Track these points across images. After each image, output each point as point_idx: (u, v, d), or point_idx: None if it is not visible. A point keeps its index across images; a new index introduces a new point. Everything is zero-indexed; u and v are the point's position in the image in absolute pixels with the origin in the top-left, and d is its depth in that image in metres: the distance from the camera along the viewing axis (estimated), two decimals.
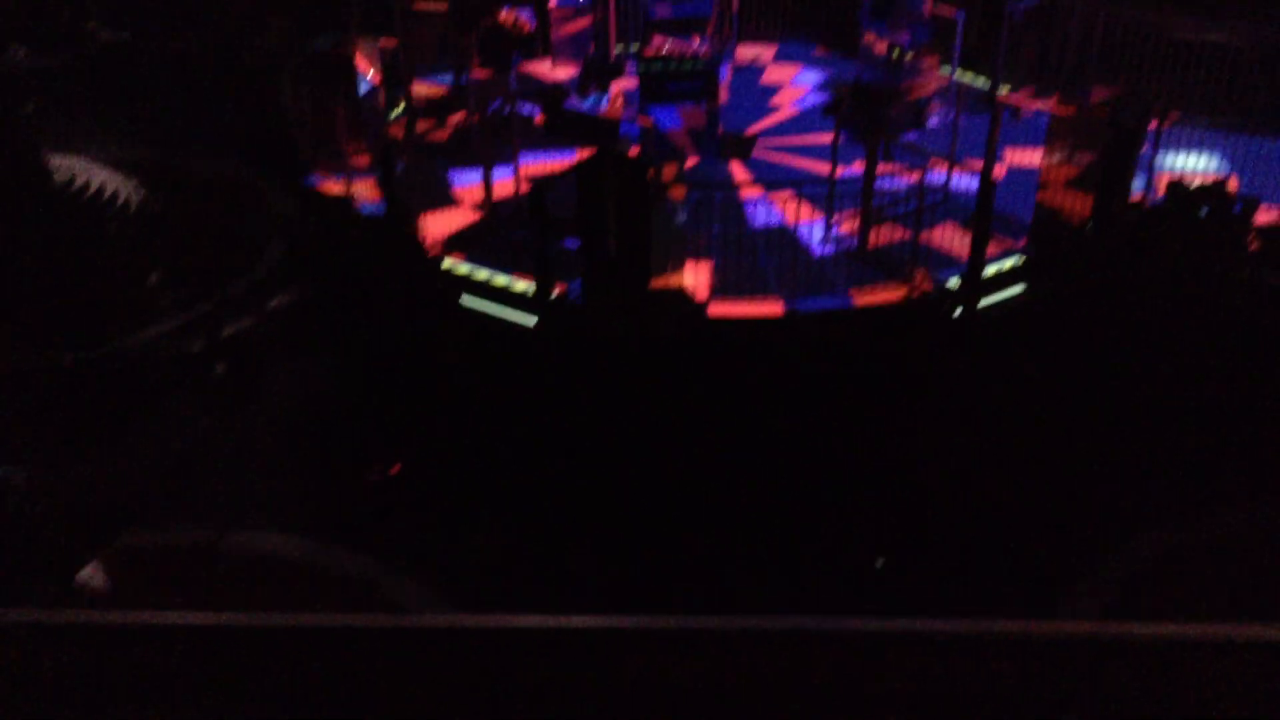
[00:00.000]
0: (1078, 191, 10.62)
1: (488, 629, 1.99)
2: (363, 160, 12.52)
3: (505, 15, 14.28)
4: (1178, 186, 10.45)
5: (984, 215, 10.18)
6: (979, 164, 11.58)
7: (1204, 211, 10.03)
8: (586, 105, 13.14)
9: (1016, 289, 10.83)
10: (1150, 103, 11.79)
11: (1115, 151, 10.39)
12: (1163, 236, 9.61)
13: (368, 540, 8.34)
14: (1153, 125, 11.14)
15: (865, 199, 11.05)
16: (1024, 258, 11.00)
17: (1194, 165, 10.75)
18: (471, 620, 2.01)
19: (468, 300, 10.76)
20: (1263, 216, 10.68)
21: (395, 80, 14.95)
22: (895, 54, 14.35)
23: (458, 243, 11.31)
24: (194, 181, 13.79)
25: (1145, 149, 10.90)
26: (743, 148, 13.57)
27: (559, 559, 8.65)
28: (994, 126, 11.08)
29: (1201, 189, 10.25)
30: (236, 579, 8.03)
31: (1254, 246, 10.16)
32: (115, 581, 7.89)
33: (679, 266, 10.42)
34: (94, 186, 12.16)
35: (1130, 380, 9.76)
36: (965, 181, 11.89)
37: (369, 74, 13.24)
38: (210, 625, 2.13)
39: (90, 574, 7.73)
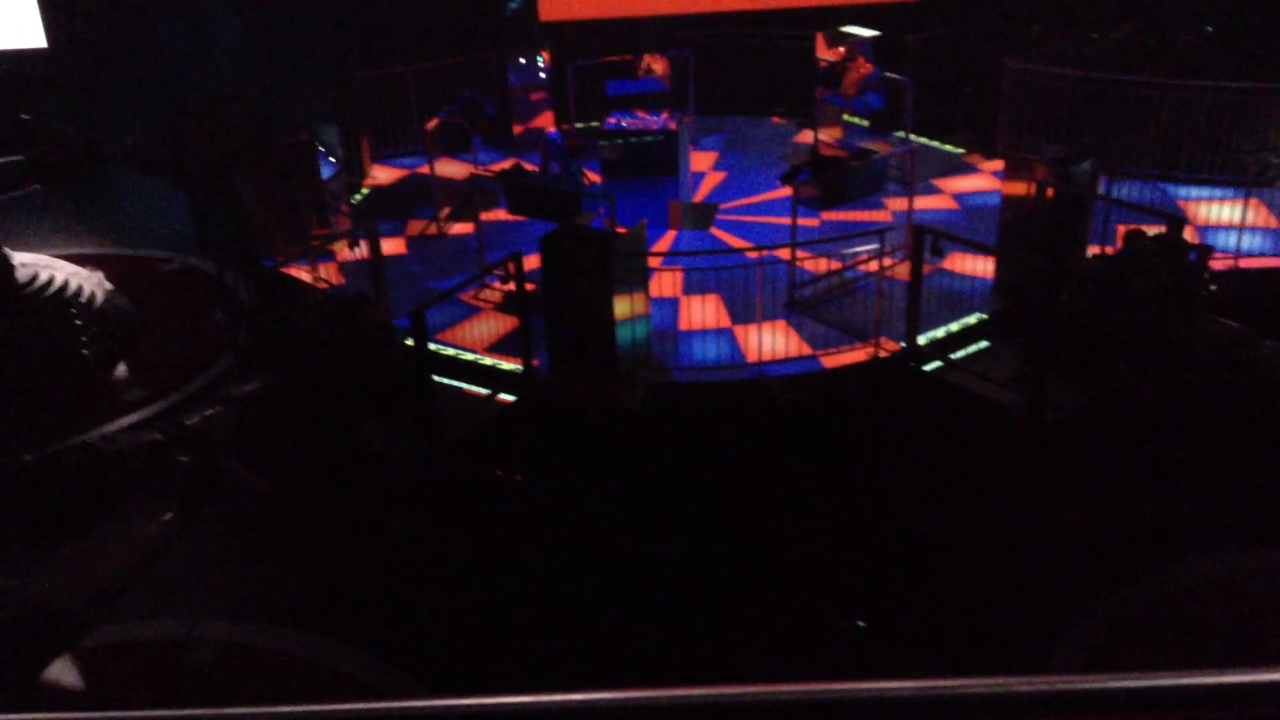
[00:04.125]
0: (1035, 247, 10.79)
1: (473, 710, 1.94)
2: (327, 245, 12.57)
3: (465, 98, 14.46)
4: (1135, 237, 10.64)
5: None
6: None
7: (1160, 261, 10.22)
8: (549, 181, 13.27)
9: (981, 344, 10.94)
10: (1101, 156, 12.05)
11: (1068, 206, 10.59)
12: (1121, 287, 9.75)
13: (339, 628, 8.19)
14: (1104, 178, 11.37)
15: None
16: (987, 315, 11.13)
17: (1146, 217, 10.98)
18: (453, 702, 1.94)
19: (439, 380, 10.75)
20: (1216, 264, 10.88)
21: (355, 166, 15.09)
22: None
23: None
24: (158, 275, 13.77)
25: (1098, 203, 11.12)
26: (705, 216, 13.72)
27: (531, 640, 8.51)
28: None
29: (1157, 239, 10.44)
30: (210, 671, 7.86)
31: (1209, 292, 10.32)
32: (87, 680, 7.71)
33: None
34: (57, 283, 12.11)
35: (1099, 430, 9.82)
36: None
37: (330, 159, 13.35)
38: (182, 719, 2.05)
39: (61, 674, 7.54)
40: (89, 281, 12.44)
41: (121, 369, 11.64)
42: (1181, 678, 1.93)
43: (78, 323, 11.78)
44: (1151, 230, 10.22)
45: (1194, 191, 12.86)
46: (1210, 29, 15.89)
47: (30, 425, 10.35)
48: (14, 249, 12.34)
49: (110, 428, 10.12)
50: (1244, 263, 11.73)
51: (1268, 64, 14.66)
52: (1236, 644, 7.65)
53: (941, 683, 1.93)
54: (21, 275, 11.99)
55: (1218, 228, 11.81)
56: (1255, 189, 11.83)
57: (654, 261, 11.19)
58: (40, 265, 12.33)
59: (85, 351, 11.60)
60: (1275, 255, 11.88)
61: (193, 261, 13.93)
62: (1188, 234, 10.99)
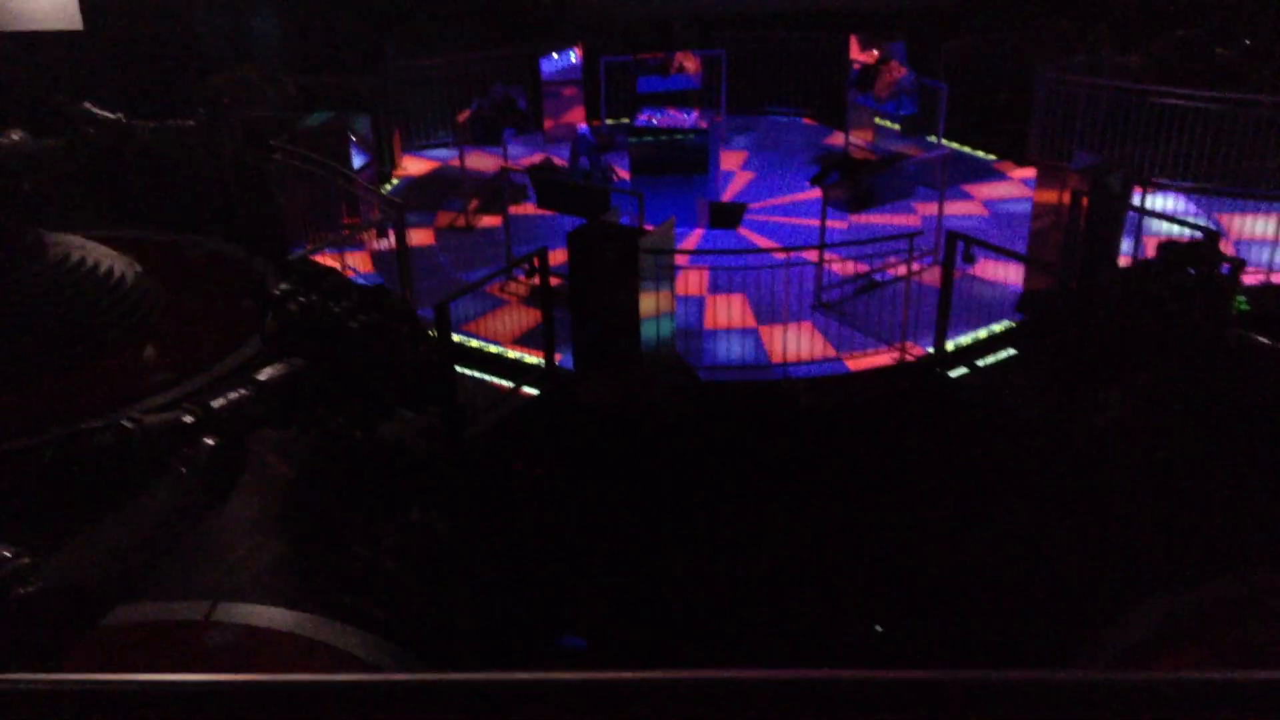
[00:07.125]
0: (1066, 256, 10.71)
1: (483, 683, 1.94)
2: (356, 235, 12.63)
3: (497, 91, 14.48)
4: (1168, 247, 10.54)
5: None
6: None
7: (1192, 272, 10.11)
8: (578, 177, 13.28)
9: (1009, 352, 10.87)
10: (1134, 167, 11.95)
11: (1100, 215, 10.50)
12: (1152, 298, 9.66)
13: (359, 614, 8.22)
14: (1137, 189, 11.27)
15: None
16: (1015, 323, 11.05)
17: (1179, 228, 10.87)
18: (464, 676, 1.95)
19: (463, 371, 10.77)
20: (1249, 278, 10.77)
21: (386, 156, 15.15)
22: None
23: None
24: (189, 258, 13.87)
25: (1130, 213, 11.03)
26: (733, 215, 13.69)
27: (552, 632, 8.53)
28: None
29: (1190, 250, 10.34)
30: (228, 652, 7.91)
31: (1242, 307, 10.21)
32: (106, 658, 7.75)
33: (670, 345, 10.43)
34: (89, 263, 12.21)
35: (1128, 443, 9.74)
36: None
37: (362, 148, 13.40)
38: (206, 685, 2.07)
39: (80, 653, 7.59)
40: (119, 263, 12.54)
41: (149, 350, 11.73)
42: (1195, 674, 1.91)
43: (106, 303, 11.88)
44: (1185, 243, 10.12)
45: (1229, 205, 12.74)
46: (1249, 42, 15.74)
47: (60, 403, 10.44)
48: (47, 230, 12.45)
49: (138, 408, 10.19)
50: (1277, 278, 11.61)
51: None
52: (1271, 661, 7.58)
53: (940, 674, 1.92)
54: (53, 255, 12.10)
55: (1252, 242, 11.69)
56: None
57: (681, 259, 11.18)
58: (73, 246, 12.44)
59: (112, 332, 11.69)
60: None
61: (222, 247, 14.03)
62: (1222, 247, 10.88)
